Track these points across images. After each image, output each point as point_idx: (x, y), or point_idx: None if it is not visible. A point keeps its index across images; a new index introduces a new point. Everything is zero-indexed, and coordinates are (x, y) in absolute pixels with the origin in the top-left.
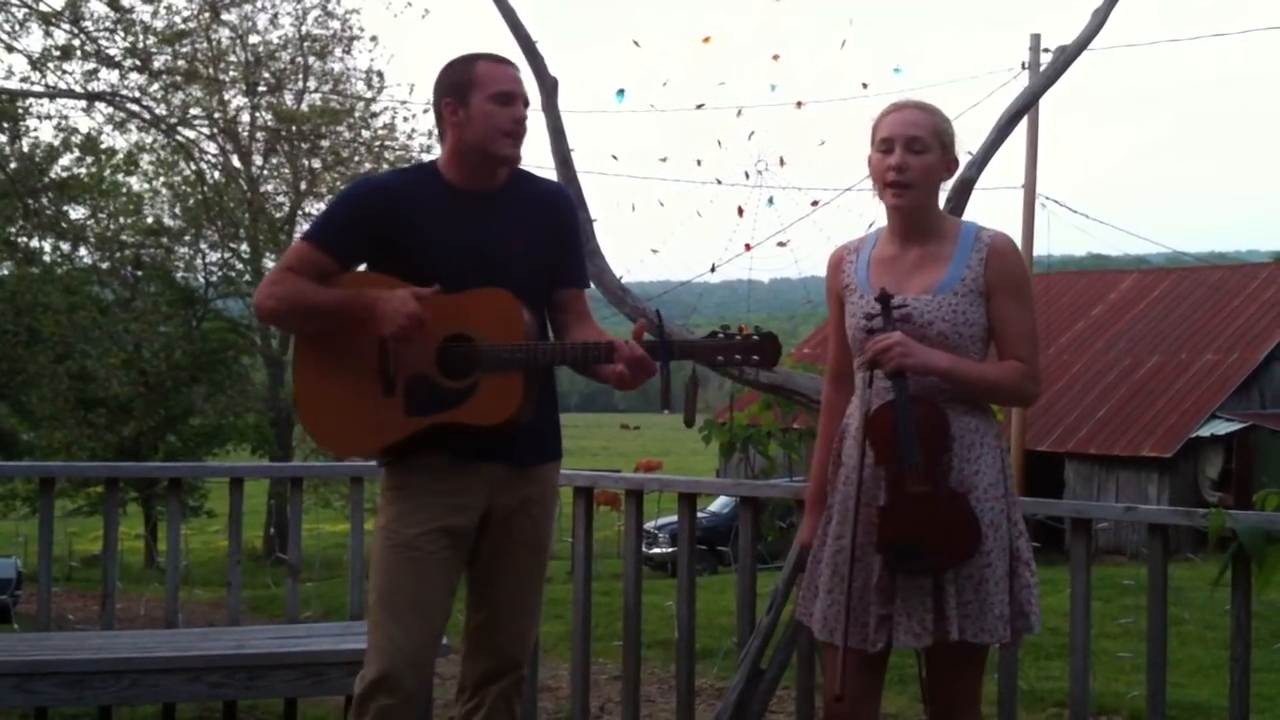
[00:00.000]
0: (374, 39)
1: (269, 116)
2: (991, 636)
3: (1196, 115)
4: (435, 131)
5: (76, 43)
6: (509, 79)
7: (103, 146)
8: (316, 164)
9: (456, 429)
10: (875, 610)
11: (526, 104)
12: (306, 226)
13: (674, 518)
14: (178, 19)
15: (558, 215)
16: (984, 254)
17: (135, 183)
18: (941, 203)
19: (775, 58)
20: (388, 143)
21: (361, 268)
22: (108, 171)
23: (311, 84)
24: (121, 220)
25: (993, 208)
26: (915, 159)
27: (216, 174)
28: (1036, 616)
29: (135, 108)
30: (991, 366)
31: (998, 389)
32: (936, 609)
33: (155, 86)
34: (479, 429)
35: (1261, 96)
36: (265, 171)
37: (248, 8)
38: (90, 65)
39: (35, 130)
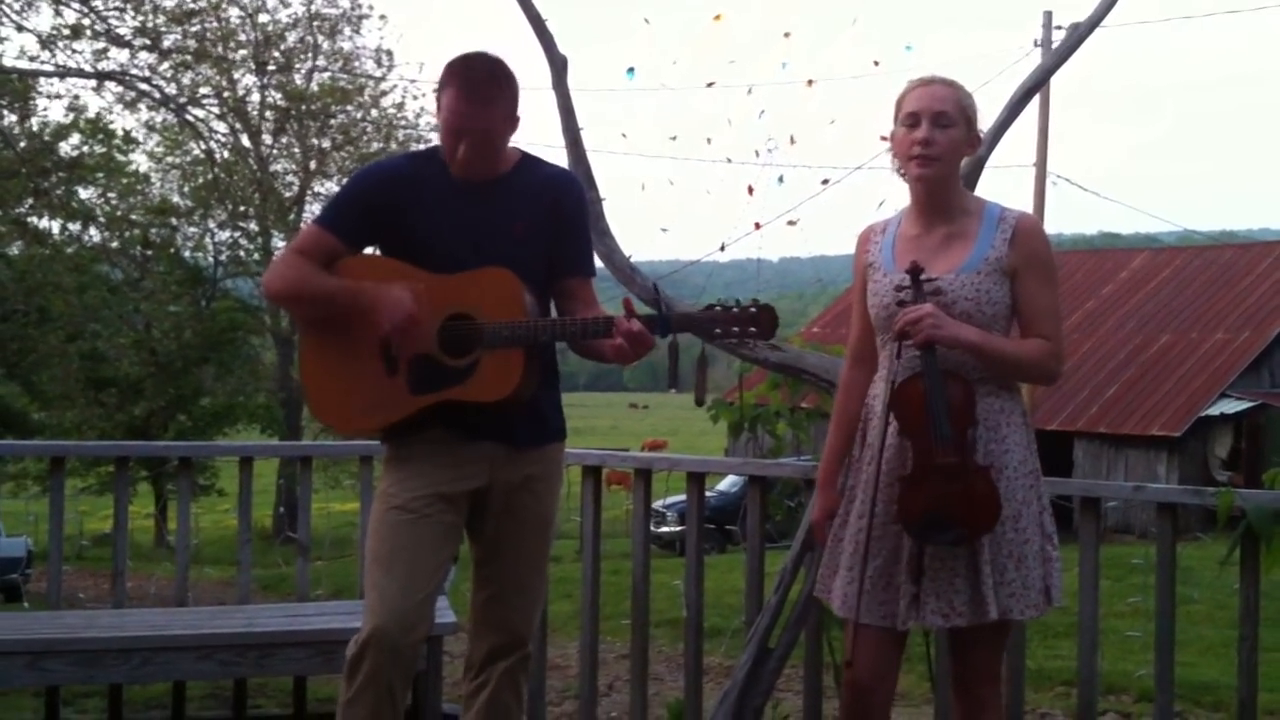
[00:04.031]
0: (383, 18)
1: (278, 96)
2: (1036, 611)
3: (1203, 113)
4: None
5: (86, 22)
6: (464, 93)
7: (106, 125)
8: (326, 143)
9: (458, 406)
10: (907, 589)
11: (476, 101)
12: (319, 207)
13: (682, 497)
14: None
15: (562, 200)
16: (1009, 234)
17: (143, 161)
18: None
19: (786, 35)
20: (397, 122)
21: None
22: (116, 154)
23: (321, 63)
24: (130, 200)
25: (1004, 186)
26: (941, 134)
27: (225, 153)
28: (1058, 589)
29: (145, 87)
30: (1019, 343)
31: (1023, 366)
32: (973, 589)
33: (165, 66)
34: (481, 406)
35: (1268, 91)
36: (275, 151)
37: None
38: (100, 44)
39: (45, 110)
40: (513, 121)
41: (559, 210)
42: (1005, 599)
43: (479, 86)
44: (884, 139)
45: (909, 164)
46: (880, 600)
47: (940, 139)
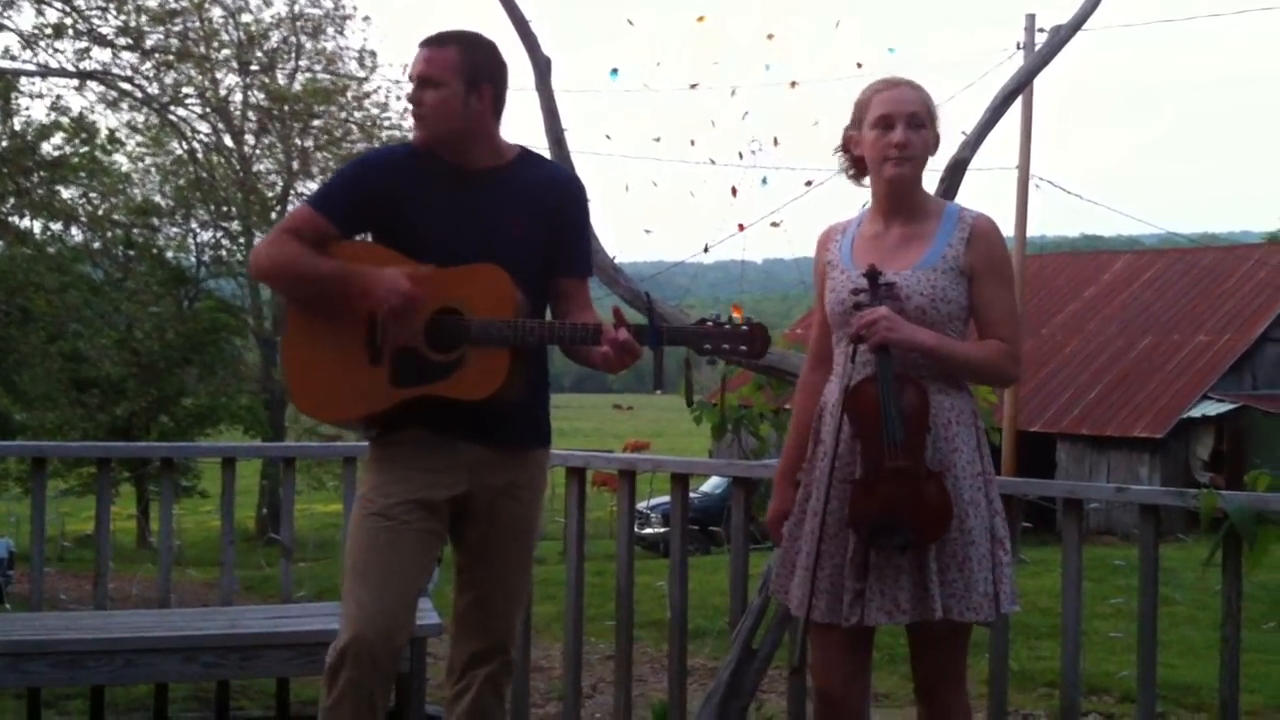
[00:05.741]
0: (367, 19)
1: (261, 96)
2: (977, 615)
3: (1196, 115)
4: None
5: (68, 21)
6: (411, 64)
7: (89, 124)
8: (309, 143)
9: (441, 402)
10: (850, 585)
11: (426, 82)
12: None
13: (666, 498)
14: None
15: (561, 200)
16: (966, 234)
17: (124, 161)
18: (934, 183)
19: (770, 37)
20: (381, 121)
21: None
22: (98, 153)
23: (304, 63)
24: (112, 200)
25: (986, 189)
26: (916, 135)
27: (212, 154)
28: (1009, 595)
29: (127, 86)
30: (974, 346)
31: (980, 368)
32: (917, 587)
33: (147, 65)
34: (463, 403)
35: (1257, 94)
36: (258, 151)
37: None
38: (82, 44)
39: (27, 109)
40: (476, 87)
41: (559, 210)
42: (946, 599)
43: (433, 37)
44: (850, 145)
45: (884, 165)
46: (835, 597)
47: (915, 140)
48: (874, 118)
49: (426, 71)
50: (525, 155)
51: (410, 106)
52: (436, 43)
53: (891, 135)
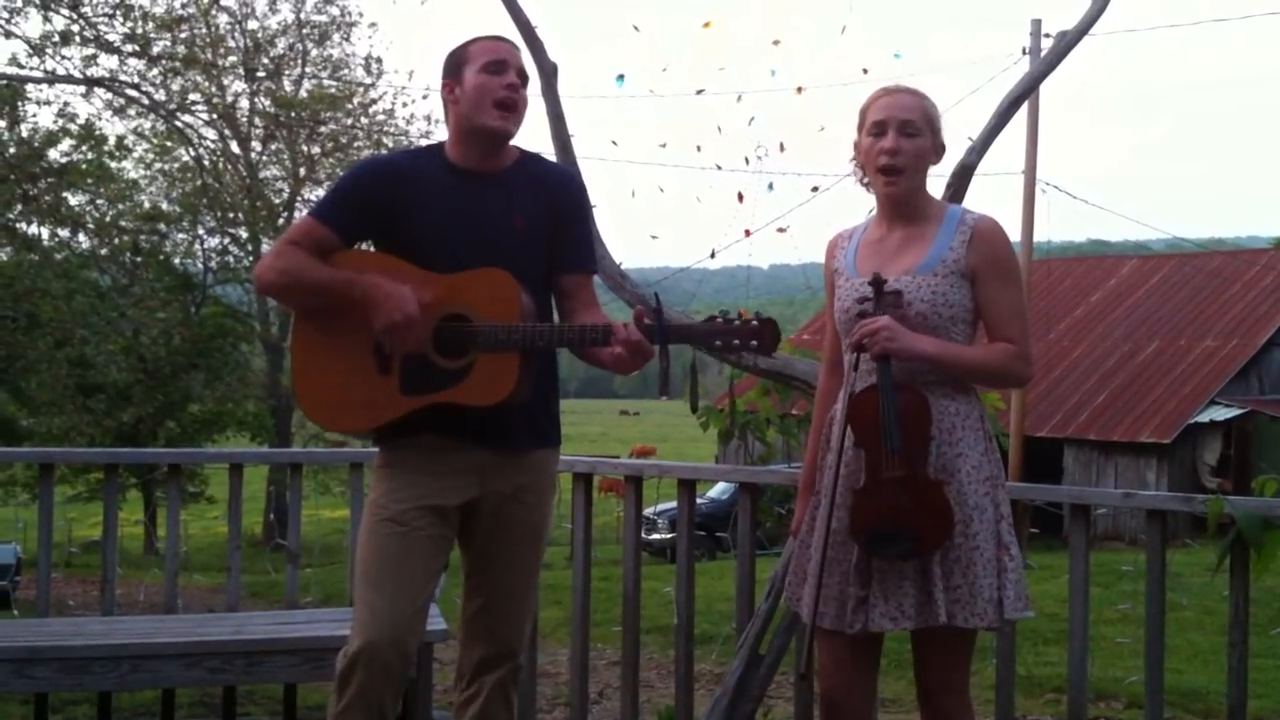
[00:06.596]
0: (373, 25)
1: (268, 102)
2: (981, 620)
3: (1202, 117)
4: (433, 116)
5: (75, 28)
6: (502, 51)
7: (97, 133)
8: (315, 150)
9: (450, 408)
10: (854, 592)
11: (524, 79)
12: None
13: (673, 503)
14: (176, 4)
15: (562, 198)
16: (967, 236)
17: (130, 168)
18: (940, 188)
19: (776, 43)
20: (386, 128)
21: (368, 245)
22: (105, 159)
23: (310, 70)
24: (119, 206)
25: (993, 193)
26: (908, 142)
27: (220, 162)
28: (1014, 601)
29: (134, 93)
30: (980, 350)
31: (988, 371)
32: (921, 593)
33: (154, 72)
34: (474, 409)
35: (1263, 96)
36: (264, 157)
37: None
38: (89, 50)
39: (34, 116)
40: (525, 103)
41: (560, 205)
42: (950, 605)
43: (505, 38)
44: (857, 153)
45: (875, 175)
46: (840, 604)
47: (907, 147)
48: (870, 123)
49: (523, 69)
50: (525, 156)
51: (505, 95)
52: (511, 43)
53: (883, 142)
